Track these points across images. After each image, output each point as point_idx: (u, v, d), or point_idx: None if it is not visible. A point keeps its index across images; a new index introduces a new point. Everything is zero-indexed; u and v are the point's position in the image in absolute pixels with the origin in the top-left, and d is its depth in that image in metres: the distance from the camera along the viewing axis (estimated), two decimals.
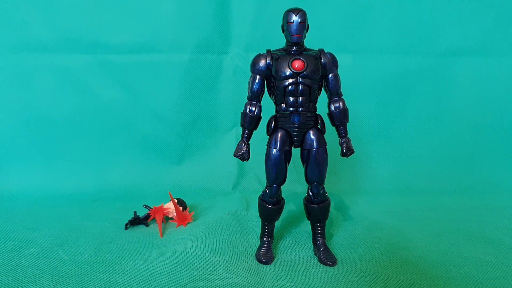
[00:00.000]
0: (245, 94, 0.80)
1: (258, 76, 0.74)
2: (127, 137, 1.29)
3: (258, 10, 1.27)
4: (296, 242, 0.85)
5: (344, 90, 0.77)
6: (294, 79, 0.71)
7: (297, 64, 0.71)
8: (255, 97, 0.75)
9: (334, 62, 0.75)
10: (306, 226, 0.92)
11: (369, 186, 1.30)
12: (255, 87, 0.74)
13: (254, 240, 0.86)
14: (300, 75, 0.71)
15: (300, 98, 0.72)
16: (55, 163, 1.27)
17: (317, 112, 0.76)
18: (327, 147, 0.75)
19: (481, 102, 1.35)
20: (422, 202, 1.17)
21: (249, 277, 0.68)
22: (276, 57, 0.73)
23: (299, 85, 0.72)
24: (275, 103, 0.76)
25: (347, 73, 1.16)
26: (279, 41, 0.79)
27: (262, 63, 0.73)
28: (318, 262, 0.75)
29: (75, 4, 1.22)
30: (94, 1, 1.23)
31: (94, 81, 1.26)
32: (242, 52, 1.29)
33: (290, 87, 0.72)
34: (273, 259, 0.75)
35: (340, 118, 0.76)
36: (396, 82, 1.32)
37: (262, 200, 0.78)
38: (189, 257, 0.76)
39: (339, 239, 0.87)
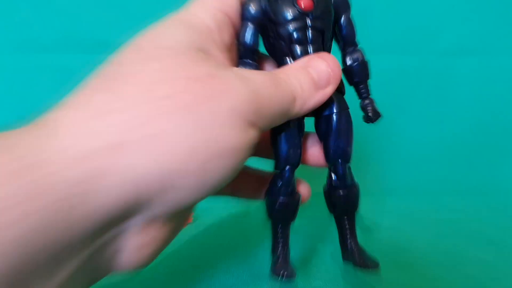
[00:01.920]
0: None
1: (251, 24, 0.54)
2: None
3: None
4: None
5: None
6: (301, 22, 0.53)
7: (304, 1, 0.53)
8: (249, 53, 0.55)
9: (346, 3, 0.58)
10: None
11: (370, 186, 1.29)
12: (248, 38, 0.54)
13: (254, 241, 0.85)
14: (310, 16, 0.53)
15: (312, 47, 0.54)
16: None
17: None
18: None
19: (483, 102, 1.34)
20: (422, 202, 1.17)
21: (249, 280, 0.68)
22: None
23: (309, 30, 0.53)
24: (277, 64, 0.56)
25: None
26: None
27: (255, 5, 0.54)
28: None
29: (76, 4, 1.22)
30: (94, 0, 1.23)
31: None
32: None
33: (297, 33, 0.53)
34: (295, 274, 0.57)
35: (360, 74, 0.60)
36: (396, 82, 1.32)
37: (272, 194, 0.57)
38: (188, 259, 0.76)
39: None
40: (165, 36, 0.43)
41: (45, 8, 1.22)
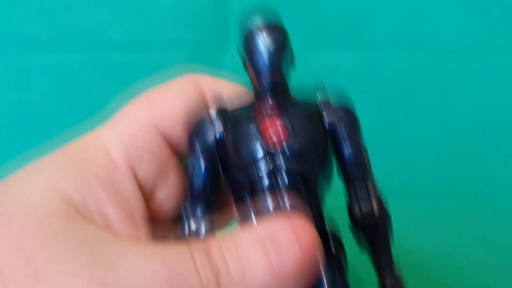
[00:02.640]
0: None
1: (202, 160, 0.35)
2: None
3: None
4: None
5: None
6: (269, 163, 0.33)
7: (276, 131, 0.33)
8: (201, 199, 0.36)
9: (350, 121, 0.37)
10: None
11: None
12: (199, 180, 0.36)
13: None
14: (282, 153, 0.33)
15: (288, 198, 0.33)
16: None
17: (327, 228, 0.36)
18: None
19: (486, 101, 1.33)
20: (425, 203, 1.16)
21: None
22: (231, 118, 0.34)
23: (281, 174, 0.33)
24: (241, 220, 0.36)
25: (349, 73, 1.14)
26: None
27: (205, 132, 0.35)
28: None
29: (71, 2, 1.21)
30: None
31: (90, 80, 1.25)
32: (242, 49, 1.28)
33: (263, 180, 0.33)
34: None
35: (374, 232, 0.38)
36: (397, 80, 1.31)
37: None
38: None
39: None
40: (22, 189, 0.30)
41: (39, 5, 1.21)
